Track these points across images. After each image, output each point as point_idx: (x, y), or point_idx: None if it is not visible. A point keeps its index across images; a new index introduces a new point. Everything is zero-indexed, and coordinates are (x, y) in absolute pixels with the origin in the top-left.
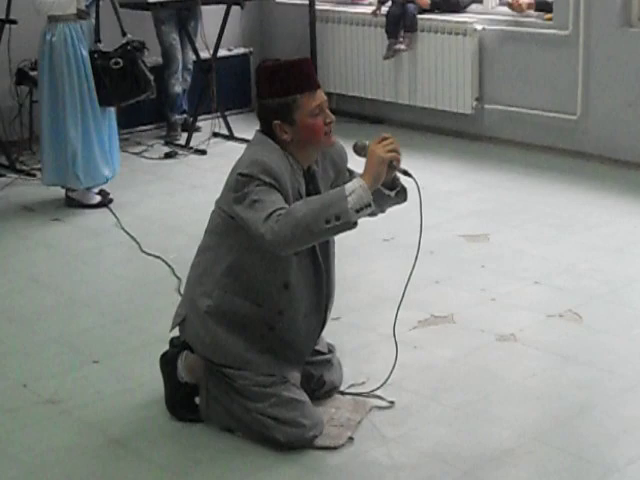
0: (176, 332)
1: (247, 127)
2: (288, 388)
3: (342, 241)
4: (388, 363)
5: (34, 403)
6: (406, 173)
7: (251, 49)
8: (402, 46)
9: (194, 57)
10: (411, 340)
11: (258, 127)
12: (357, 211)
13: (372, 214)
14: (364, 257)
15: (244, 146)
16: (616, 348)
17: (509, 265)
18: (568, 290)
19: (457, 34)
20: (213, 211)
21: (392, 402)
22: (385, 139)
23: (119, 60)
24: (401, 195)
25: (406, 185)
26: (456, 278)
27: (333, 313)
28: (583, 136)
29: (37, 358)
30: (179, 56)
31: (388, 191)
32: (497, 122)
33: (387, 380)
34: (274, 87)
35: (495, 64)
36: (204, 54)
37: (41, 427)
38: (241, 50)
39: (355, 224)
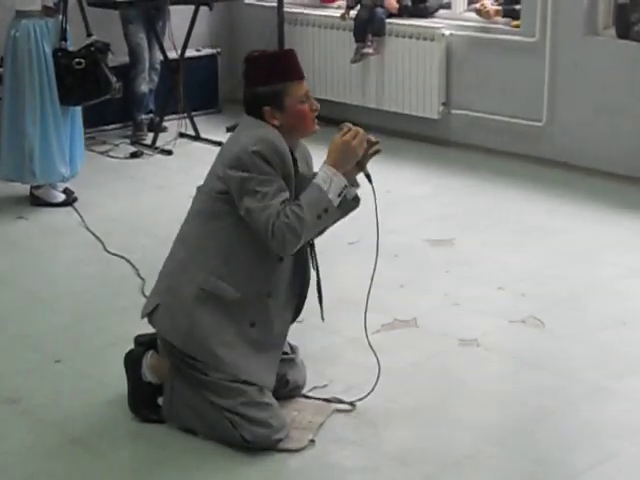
0: (141, 330)
1: (214, 128)
2: (260, 389)
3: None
4: (351, 366)
5: None
6: (368, 177)
7: (219, 50)
8: (370, 50)
9: (161, 57)
10: (374, 343)
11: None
12: (339, 195)
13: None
14: (329, 260)
15: (210, 147)
16: (577, 354)
17: (473, 270)
18: (531, 296)
19: (425, 39)
20: (197, 196)
21: (353, 405)
22: (350, 131)
23: (81, 60)
24: (356, 200)
25: (361, 193)
26: (420, 282)
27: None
28: (548, 143)
29: None
30: (146, 55)
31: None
32: (463, 127)
33: (373, 389)
34: (266, 75)
35: (462, 70)
36: (172, 54)
37: (1, 427)
38: (209, 51)
39: (338, 210)
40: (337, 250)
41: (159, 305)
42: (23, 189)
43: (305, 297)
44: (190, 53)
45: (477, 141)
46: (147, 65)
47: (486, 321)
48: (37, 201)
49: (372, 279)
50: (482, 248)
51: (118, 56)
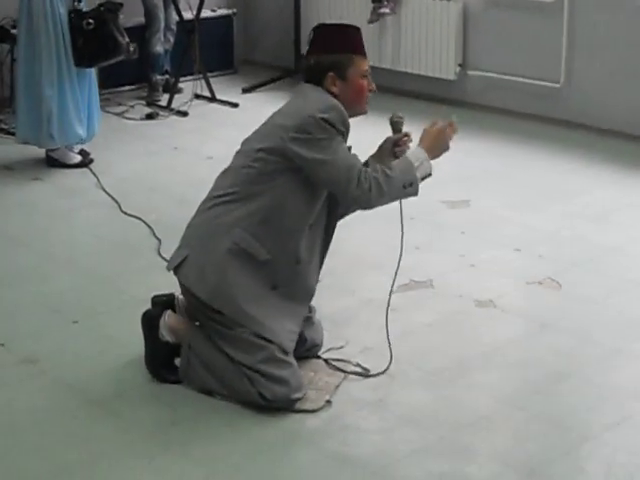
0: (158, 290)
1: (229, 89)
2: (280, 348)
3: None
4: (367, 327)
5: (12, 363)
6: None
7: (234, 10)
8: (387, 10)
9: (177, 17)
10: (390, 305)
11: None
12: (422, 179)
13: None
14: (344, 222)
15: (226, 108)
16: (594, 316)
17: (489, 232)
18: (548, 257)
19: None
20: (242, 152)
21: (368, 370)
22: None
23: (91, 21)
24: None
25: None
26: (436, 244)
27: None
28: (566, 104)
29: (15, 318)
30: (161, 16)
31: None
32: (480, 88)
33: (391, 360)
34: (334, 43)
35: (479, 30)
36: (187, 14)
37: (18, 387)
38: (224, 11)
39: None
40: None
41: (187, 257)
42: (39, 151)
43: (324, 259)
44: (206, 13)
45: (493, 102)
46: (162, 25)
47: (502, 282)
48: (53, 162)
49: (401, 249)
50: (499, 209)
51: (134, 16)
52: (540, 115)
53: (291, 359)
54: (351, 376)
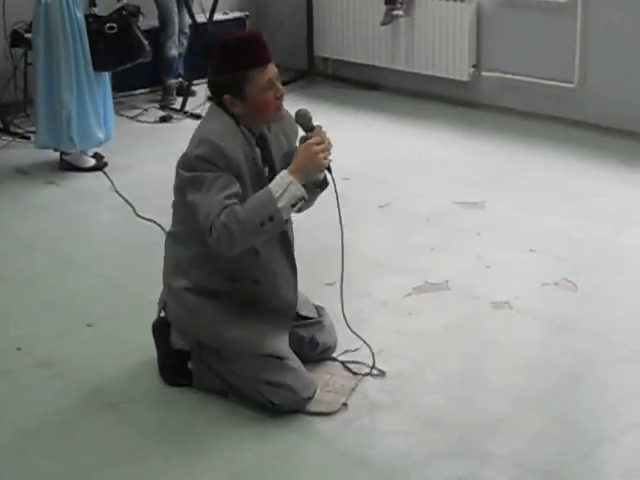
0: None
1: None
2: (276, 357)
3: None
4: (382, 329)
5: (28, 366)
6: (329, 169)
7: (247, 13)
8: (400, 12)
9: (190, 21)
10: (406, 307)
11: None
12: (292, 206)
13: (299, 210)
14: (359, 224)
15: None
16: (611, 317)
17: (504, 233)
18: (563, 258)
19: (455, 0)
20: (173, 201)
21: (383, 372)
22: (316, 138)
23: (113, 25)
24: (325, 186)
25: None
26: (451, 245)
27: (327, 279)
28: (580, 104)
29: (31, 321)
30: (176, 19)
31: (317, 189)
32: (494, 89)
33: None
34: (225, 62)
35: (493, 31)
36: (200, 18)
37: (35, 390)
38: (237, 14)
39: (286, 222)
40: (367, 214)
41: (166, 301)
42: (53, 154)
43: (294, 264)
44: (218, 16)
45: (507, 103)
46: (177, 29)
47: (518, 284)
48: (67, 166)
49: (342, 255)
50: (514, 211)
51: (147, 19)
52: (554, 116)
53: (291, 362)
54: (367, 379)
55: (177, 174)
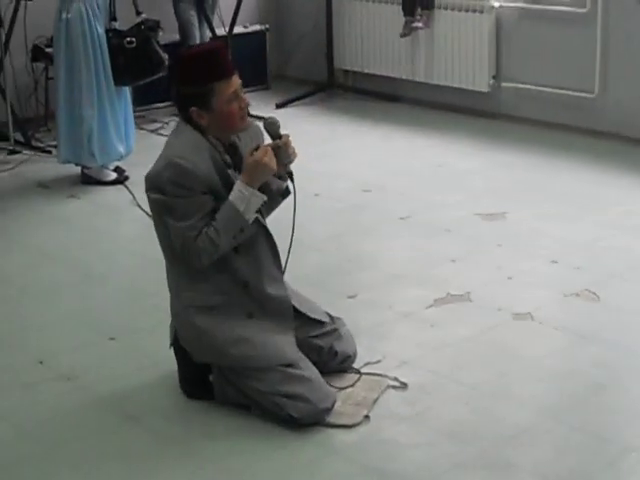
0: None
1: (263, 104)
2: (292, 365)
3: (358, 219)
4: (404, 341)
5: (50, 379)
6: (290, 175)
7: (267, 26)
8: (419, 24)
9: (210, 34)
10: (427, 318)
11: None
12: (257, 212)
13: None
14: (380, 235)
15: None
16: (633, 327)
17: (526, 243)
18: (585, 269)
19: (474, 11)
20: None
21: (405, 384)
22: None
23: (133, 39)
24: (286, 195)
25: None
26: (472, 256)
27: (349, 291)
28: (600, 114)
29: (53, 334)
30: (197, 33)
31: (279, 197)
32: (514, 100)
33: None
34: (190, 76)
35: (512, 42)
36: (220, 31)
37: (57, 403)
38: (257, 27)
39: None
40: (388, 225)
41: (176, 328)
42: (74, 168)
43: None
44: (238, 30)
45: (528, 114)
46: (197, 42)
47: (540, 294)
48: (88, 180)
49: (287, 261)
50: (535, 221)
51: (168, 34)
52: (575, 126)
53: (305, 371)
54: (389, 391)
55: (148, 197)
